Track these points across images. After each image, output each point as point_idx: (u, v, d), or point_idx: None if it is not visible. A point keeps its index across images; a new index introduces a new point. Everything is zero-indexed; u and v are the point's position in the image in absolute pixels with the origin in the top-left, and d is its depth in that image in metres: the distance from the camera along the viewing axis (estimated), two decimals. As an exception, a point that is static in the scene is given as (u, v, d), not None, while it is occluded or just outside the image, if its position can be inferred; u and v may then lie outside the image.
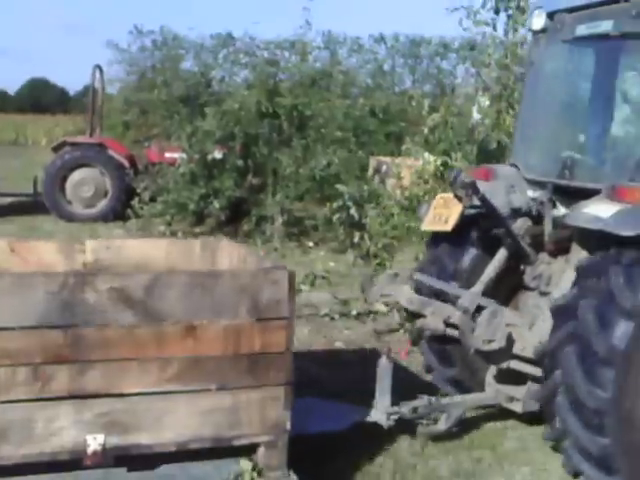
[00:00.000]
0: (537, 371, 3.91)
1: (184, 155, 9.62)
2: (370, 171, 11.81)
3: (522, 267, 4.36)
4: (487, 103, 7.12)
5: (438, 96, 14.12)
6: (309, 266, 7.46)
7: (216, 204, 9.21)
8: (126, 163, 11.27)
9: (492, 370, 4.28)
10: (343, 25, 27.98)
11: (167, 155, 11.06)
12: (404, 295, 4.44)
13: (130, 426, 2.94)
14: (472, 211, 4.19)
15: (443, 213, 4.24)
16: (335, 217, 6.48)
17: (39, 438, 2.83)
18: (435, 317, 4.15)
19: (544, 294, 4.22)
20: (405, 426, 4.07)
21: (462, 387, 4.46)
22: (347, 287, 7.02)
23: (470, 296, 4.05)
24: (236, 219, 9.62)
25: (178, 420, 3.01)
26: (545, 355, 3.73)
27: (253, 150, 9.87)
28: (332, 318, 6.44)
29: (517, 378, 4.16)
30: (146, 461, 3.02)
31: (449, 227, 4.16)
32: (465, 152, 6.81)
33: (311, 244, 9.20)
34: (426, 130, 7.09)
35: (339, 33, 18.07)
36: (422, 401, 4.04)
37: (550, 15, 4.37)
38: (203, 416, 3.05)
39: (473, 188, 3.92)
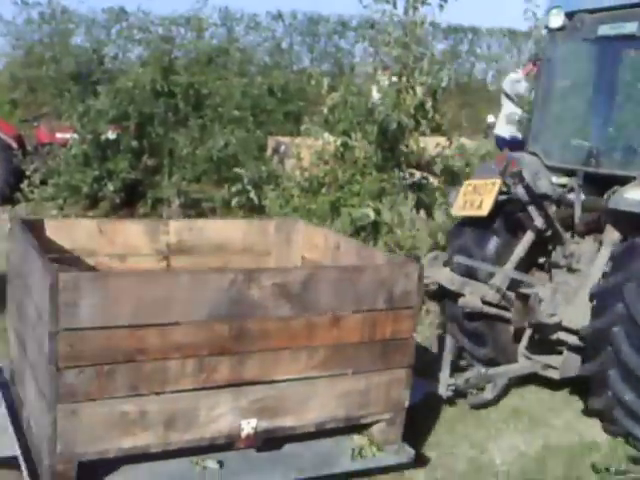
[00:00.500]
0: (576, 341, 4.29)
1: (76, 135, 9.17)
2: (269, 151, 11.65)
3: (550, 247, 4.82)
4: (387, 82, 7.06)
5: (337, 75, 14.06)
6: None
7: (110, 186, 8.84)
8: (14, 144, 10.66)
9: (523, 343, 4.59)
10: (240, 1, 27.52)
11: (58, 135, 10.52)
12: (444, 276, 4.81)
13: (278, 410, 3.26)
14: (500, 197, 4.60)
15: (475, 199, 4.57)
16: (234, 201, 6.28)
17: (201, 425, 3.10)
18: (474, 296, 4.58)
19: (573, 271, 4.64)
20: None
21: (494, 364, 4.73)
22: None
23: (503, 273, 4.57)
24: (131, 202, 9.27)
25: (318, 403, 3.34)
26: (592, 331, 4.10)
27: (148, 130, 9.51)
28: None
29: (551, 348, 4.56)
30: (273, 441, 3.34)
31: (485, 212, 4.52)
32: (365, 132, 6.74)
33: (209, 226, 8.99)
34: (325, 110, 6.96)
35: (236, 10, 17.74)
36: (473, 372, 4.39)
37: (569, 15, 4.75)
38: (339, 398, 3.38)
39: (520, 177, 4.41)
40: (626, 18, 4.41)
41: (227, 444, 3.22)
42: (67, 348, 2.80)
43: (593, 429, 4.32)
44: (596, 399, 4.20)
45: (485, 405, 4.53)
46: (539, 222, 4.63)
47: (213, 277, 3.06)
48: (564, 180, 4.76)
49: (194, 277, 3.04)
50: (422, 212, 7.05)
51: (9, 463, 3.22)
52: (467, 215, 4.72)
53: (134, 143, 9.19)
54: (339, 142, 6.80)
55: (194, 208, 9.03)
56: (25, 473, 3.03)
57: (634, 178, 4.24)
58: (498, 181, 4.50)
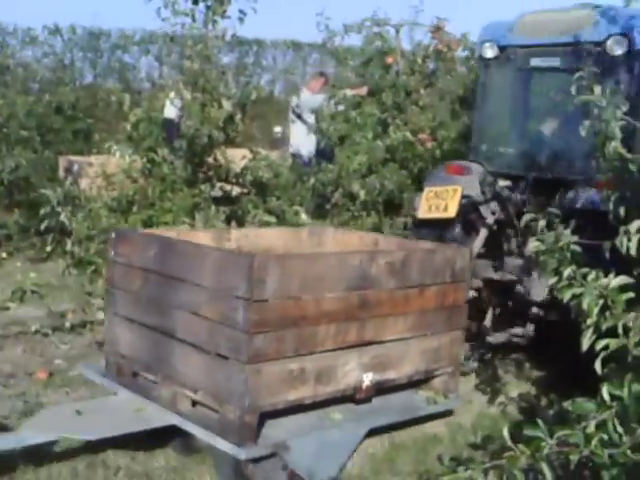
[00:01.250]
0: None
1: None
2: (60, 172, 11.13)
3: (503, 239, 5.52)
4: (189, 97, 6.94)
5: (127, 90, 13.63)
6: (7, 280, 6.81)
7: None
8: None
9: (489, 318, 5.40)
10: (11, 14, 26.00)
11: None
12: None
13: (385, 366, 3.98)
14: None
15: (440, 203, 5.39)
16: (43, 224, 5.91)
17: (338, 379, 3.77)
18: None
19: (524, 256, 5.27)
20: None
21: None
22: (60, 299, 6.52)
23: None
24: None
25: (410, 359, 4.09)
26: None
27: None
28: (45, 334, 5.92)
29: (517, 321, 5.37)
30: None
31: (452, 214, 5.35)
32: (173, 147, 6.60)
33: (4, 255, 8.43)
34: (129, 126, 6.75)
35: (8, 23, 16.72)
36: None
37: (501, 48, 5.78)
38: (422, 355, 4.15)
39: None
40: (553, 53, 5.50)
41: (349, 396, 3.88)
42: (256, 316, 3.40)
43: (432, 423, 4.49)
44: None
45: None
46: (491, 220, 5.37)
47: (349, 257, 3.87)
48: (506, 183, 5.62)
49: (338, 258, 3.90)
50: (233, 224, 7.02)
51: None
52: (434, 217, 5.43)
53: None
54: (145, 159, 6.60)
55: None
56: (199, 432, 3.59)
57: (563, 181, 5.16)
58: (459, 187, 5.35)
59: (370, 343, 3.88)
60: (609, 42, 5.18)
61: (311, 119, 9.38)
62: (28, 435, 3.66)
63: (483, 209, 5.37)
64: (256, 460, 3.49)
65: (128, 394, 4.04)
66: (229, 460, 3.57)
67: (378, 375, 3.93)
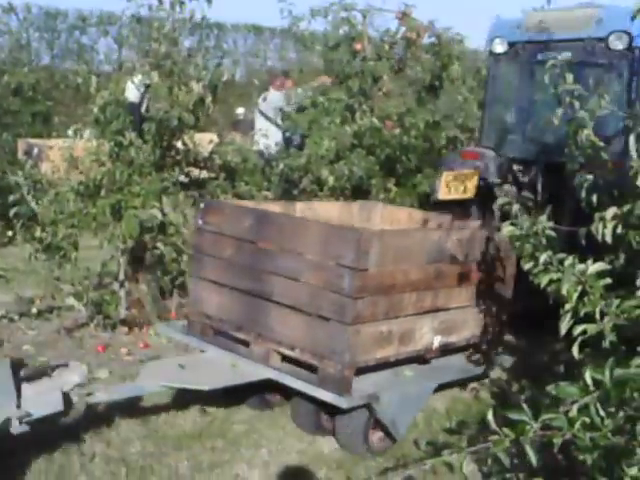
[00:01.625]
0: None
1: None
2: (19, 155, 10.94)
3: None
4: (156, 79, 6.84)
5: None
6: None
7: None
8: None
9: None
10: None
11: None
12: None
13: (450, 330, 4.42)
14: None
15: (459, 186, 6.02)
16: (13, 210, 5.80)
17: (415, 340, 4.21)
18: None
19: None
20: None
21: None
22: (26, 284, 6.43)
23: None
24: None
25: (467, 325, 4.53)
26: None
27: None
28: (11, 319, 5.84)
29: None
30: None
31: (472, 194, 6.04)
32: (141, 130, 6.51)
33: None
34: (96, 109, 6.62)
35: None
36: None
37: (511, 44, 6.37)
38: (473, 322, 4.56)
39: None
40: (559, 48, 5.80)
41: (420, 356, 4.29)
42: (359, 283, 3.78)
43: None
44: None
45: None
46: (503, 200, 5.62)
47: (431, 234, 4.35)
48: (517, 167, 6.18)
49: (423, 234, 4.42)
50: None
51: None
52: (455, 198, 5.99)
53: None
54: (113, 142, 6.49)
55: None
56: (298, 384, 3.96)
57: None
58: (477, 171, 6.02)
59: (439, 310, 4.32)
60: (611, 38, 5.70)
61: (278, 119, 9.38)
62: (146, 384, 4.03)
63: (497, 190, 5.92)
64: (345, 411, 3.94)
65: (216, 351, 4.40)
66: (309, 413, 4.18)
67: (445, 338, 4.38)
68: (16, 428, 3.38)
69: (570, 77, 3.83)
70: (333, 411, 4.02)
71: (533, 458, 2.60)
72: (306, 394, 3.96)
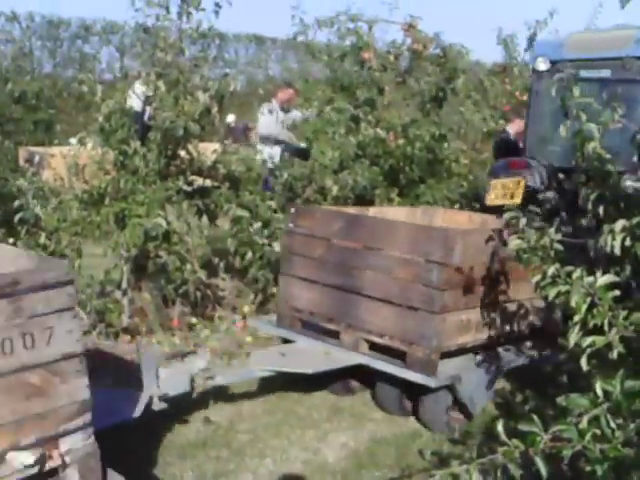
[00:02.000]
0: None
1: None
2: (21, 162, 10.93)
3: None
4: (163, 88, 6.85)
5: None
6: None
7: None
8: None
9: None
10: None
11: None
12: None
13: (518, 319, 4.80)
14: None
15: (506, 192, 6.50)
16: (17, 217, 5.79)
17: (488, 329, 4.63)
18: None
19: None
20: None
21: None
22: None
23: None
24: None
25: (528, 317, 4.85)
26: None
27: None
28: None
29: None
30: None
31: (519, 200, 6.28)
32: (146, 139, 6.52)
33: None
34: (101, 118, 6.63)
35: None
36: None
37: (553, 62, 6.79)
38: (524, 315, 4.84)
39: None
40: (600, 66, 6.44)
41: (491, 343, 4.66)
42: (446, 277, 4.23)
43: (412, 418, 4.54)
44: None
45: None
46: (548, 206, 6.03)
47: (502, 233, 4.44)
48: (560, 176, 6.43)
49: (497, 233, 4.50)
50: (205, 218, 6.97)
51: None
52: (503, 203, 5.97)
53: None
54: (118, 151, 6.50)
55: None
56: (389, 368, 4.42)
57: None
58: (523, 180, 6.44)
59: (509, 301, 4.70)
60: None
61: (284, 135, 9.29)
62: (257, 369, 4.45)
63: (542, 197, 6.30)
64: (428, 393, 4.39)
65: (307, 341, 4.84)
66: (393, 397, 4.61)
67: (513, 327, 4.76)
68: (157, 405, 3.81)
69: (577, 90, 3.86)
70: (416, 393, 4.47)
71: (543, 469, 2.58)
72: (392, 378, 4.42)
